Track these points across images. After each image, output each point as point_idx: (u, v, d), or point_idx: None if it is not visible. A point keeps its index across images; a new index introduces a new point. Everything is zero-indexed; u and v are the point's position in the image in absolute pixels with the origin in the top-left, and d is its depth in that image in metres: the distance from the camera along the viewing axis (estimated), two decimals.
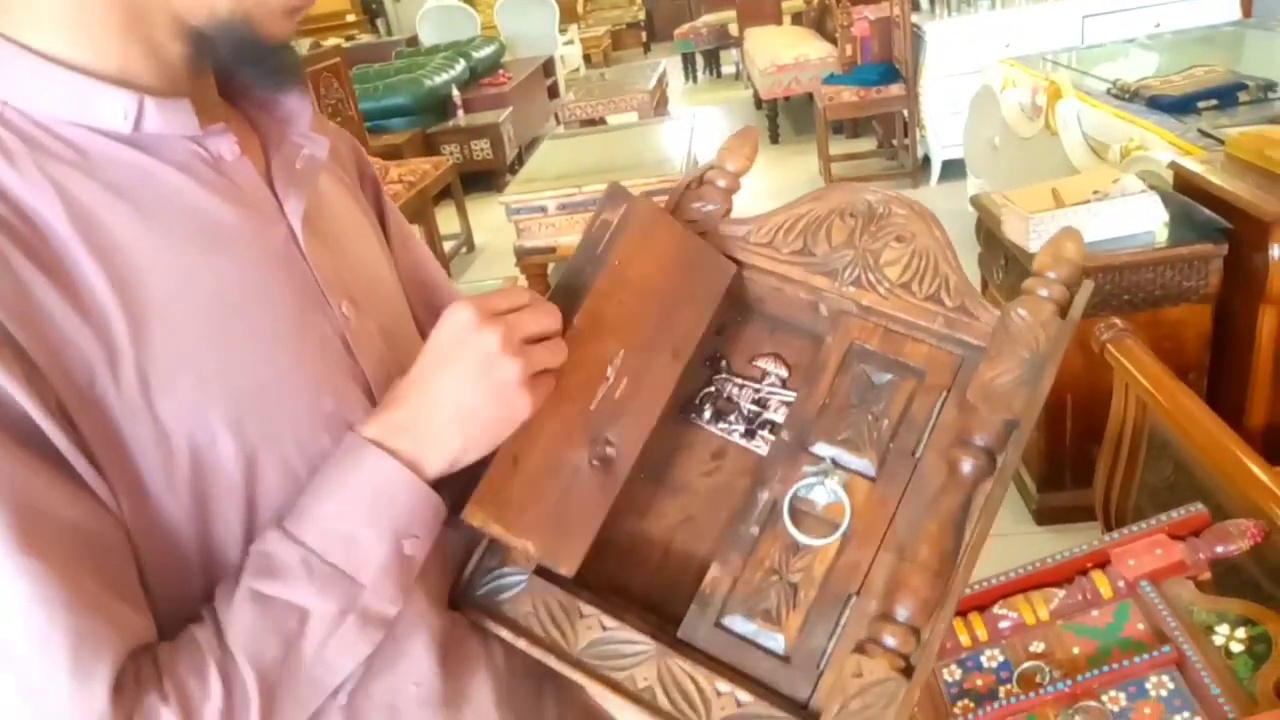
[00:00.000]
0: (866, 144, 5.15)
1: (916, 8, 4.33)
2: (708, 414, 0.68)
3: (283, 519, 0.51)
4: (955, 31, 4.02)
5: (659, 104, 5.76)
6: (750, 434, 0.67)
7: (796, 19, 6.81)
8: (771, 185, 4.91)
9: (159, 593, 0.50)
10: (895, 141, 4.72)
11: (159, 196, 0.51)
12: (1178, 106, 2.41)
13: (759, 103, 5.86)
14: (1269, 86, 2.42)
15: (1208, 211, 1.79)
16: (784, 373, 0.69)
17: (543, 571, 0.60)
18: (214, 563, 0.51)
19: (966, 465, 0.57)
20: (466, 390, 0.52)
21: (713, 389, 0.69)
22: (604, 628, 0.59)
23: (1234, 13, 3.88)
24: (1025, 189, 2.06)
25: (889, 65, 4.44)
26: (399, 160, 4.37)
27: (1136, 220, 1.83)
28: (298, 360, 0.54)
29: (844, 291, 0.65)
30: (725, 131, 6.17)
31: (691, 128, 4.20)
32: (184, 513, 0.50)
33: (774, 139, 5.63)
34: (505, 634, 0.60)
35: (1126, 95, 2.65)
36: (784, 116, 5.77)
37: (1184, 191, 1.88)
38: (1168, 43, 3.44)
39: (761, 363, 0.69)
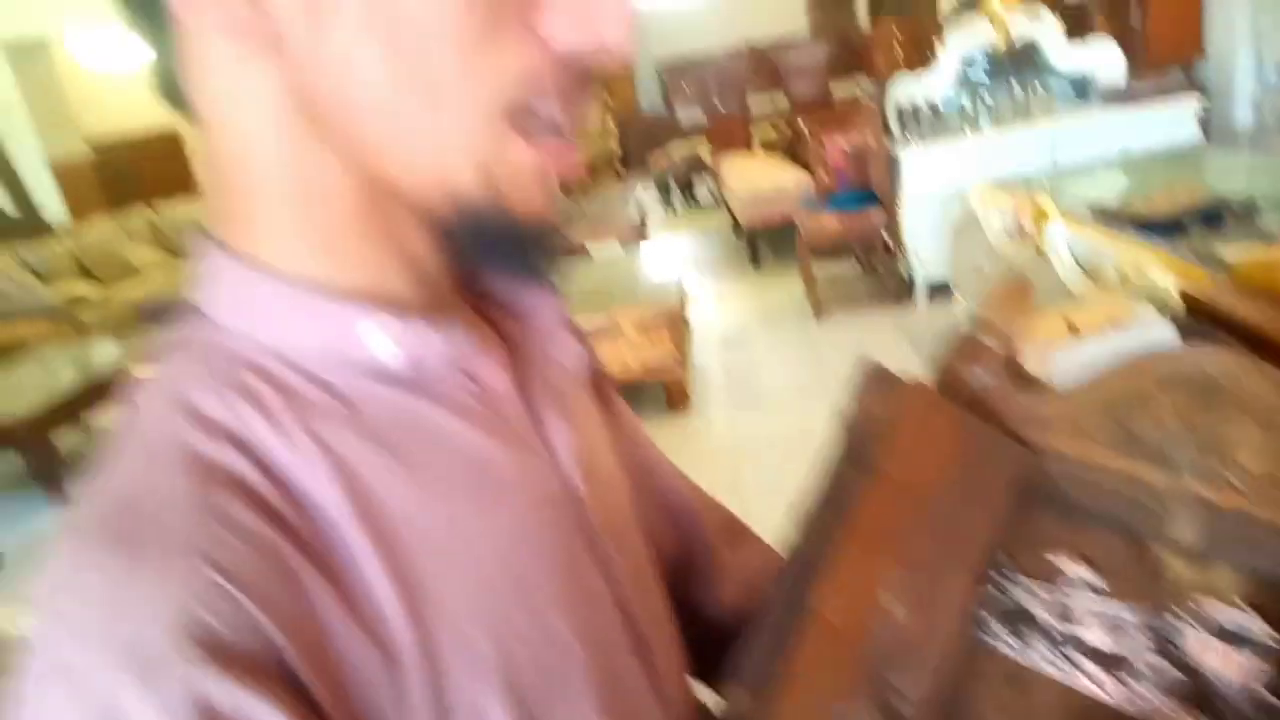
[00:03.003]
0: (850, 267, 5.25)
1: (890, 136, 4.50)
2: (994, 627, 0.52)
3: None
4: (930, 157, 4.16)
5: (641, 232, 5.87)
6: (1058, 654, 0.51)
7: (769, 147, 7.07)
8: (757, 310, 4.96)
9: None
10: (878, 264, 4.81)
11: (432, 444, 0.41)
12: (1166, 228, 2.47)
13: (737, 229, 5.99)
14: (1251, 204, 2.49)
15: (1227, 337, 1.79)
16: (1093, 576, 0.51)
17: None
18: None
19: None
20: None
21: (997, 595, 0.53)
22: None
23: (1193, 133, 4.06)
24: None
25: (866, 192, 4.57)
26: None
27: (1155, 349, 1.82)
28: (573, 624, 0.43)
29: (1186, 486, 0.50)
30: (711, 257, 6.33)
31: (678, 253, 4.27)
32: None
33: (755, 264, 5.73)
34: None
35: (1112, 217, 2.71)
36: (764, 242, 5.89)
37: (1196, 317, 1.89)
38: (1137, 164, 3.58)
39: (1061, 562, 0.53)
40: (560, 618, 0.43)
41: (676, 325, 3.70)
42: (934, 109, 4.32)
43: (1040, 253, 3.00)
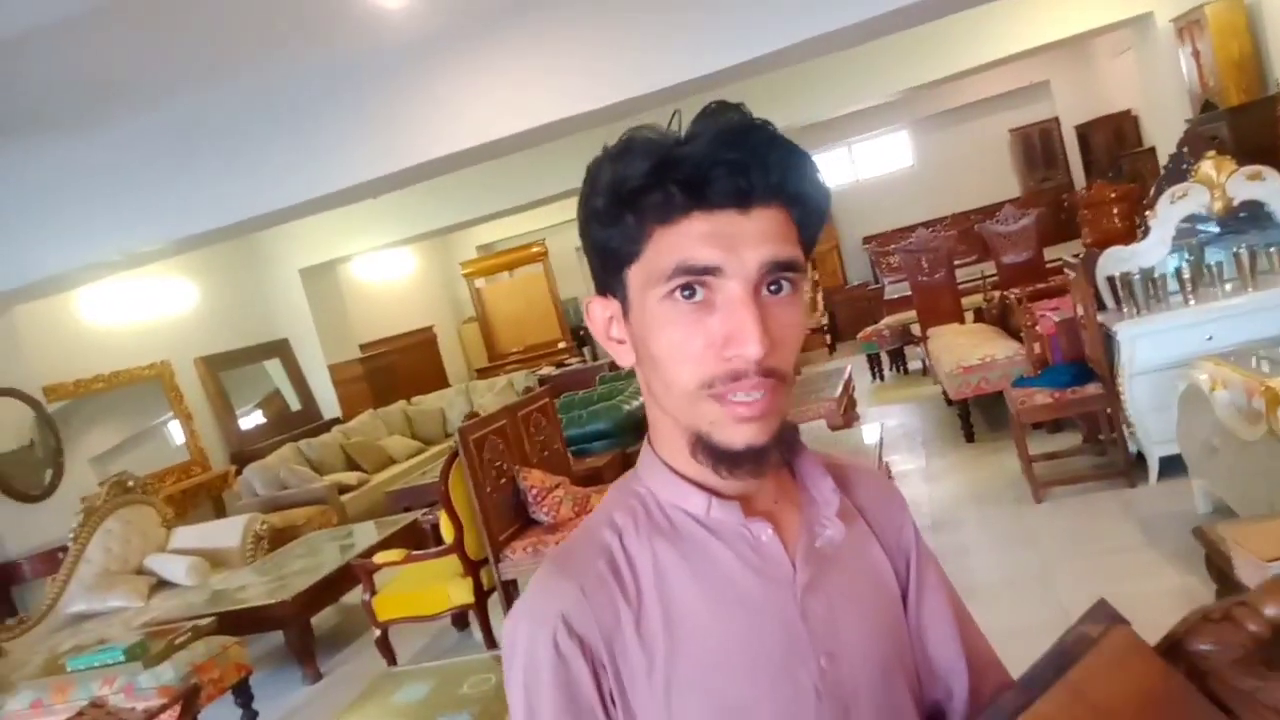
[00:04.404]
0: (1070, 439, 4.94)
1: (1102, 306, 4.31)
2: None
3: None
4: (1148, 330, 3.93)
5: (846, 409, 5.87)
6: None
7: (978, 315, 6.92)
8: (971, 485, 4.75)
9: None
10: (1102, 437, 4.51)
11: (710, 562, 0.73)
12: None
13: (949, 399, 5.84)
14: None
15: None
16: None
17: None
18: None
19: None
20: None
21: None
22: None
23: None
24: (1258, 523, 1.90)
25: (1081, 364, 4.36)
26: (599, 485, 4.63)
27: None
28: (773, 693, 0.71)
29: None
30: (917, 431, 6.17)
31: (880, 438, 4.23)
32: None
33: (969, 438, 5.53)
34: None
35: None
36: (977, 412, 5.70)
37: None
38: None
39: None
40: (765, 688, 0.71)
41: None
42: (1149, 278, 4.12)
43: (1275, 435, 2.74)
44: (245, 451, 7.22)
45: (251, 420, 7.79)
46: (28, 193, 4.93)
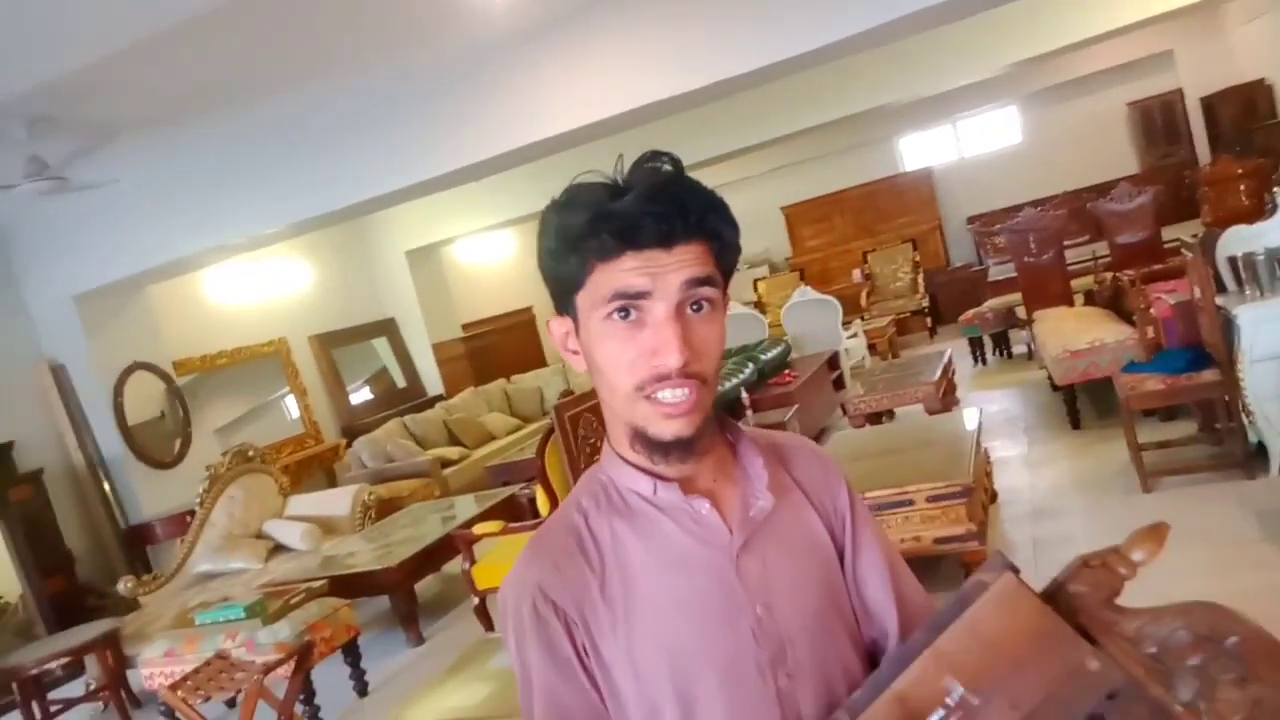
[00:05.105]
0: (1185, 428, 4.71)
1: (1222, 289, 4.09)
2: None
3: None
4: (1273, 314, 3.71)
5: (945, 393, 5.74)
6: None
7: (1088, 298, 6.64)
8: (1075, 477, 4.59)
9: None
10: (1219, 426, 4.29)
11: (659, 534, 0.89)
12: None
13: (1054, 385, 5.65)
14: None
15: None
16: None
17: None
18: None
19: None
20: None
21: None
22: None
23: None
24: None
25: (1197, 349, 4.16)
26: None
27: None
28: (718, 639, 0.86)
29: (1174, 708, 0.69)
30: (1019, 418, 5.98)
31: (979, 423, 4.14)
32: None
33: (1075, 425, 5.33)
34: None
35: None
36: (1083, 399, 5.49)
37: None
38: None
39: None
40: (709, 635, 0.86)
41: (974, 496, 3.57)
42: (1277, 257, 3.88)
43: None
44: (355, 425, 7.56)
45: (360, 396, 8.15)
46: (161, 182, 5.29)
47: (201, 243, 5.38)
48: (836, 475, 0.99)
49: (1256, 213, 4.98)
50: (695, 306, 0.83)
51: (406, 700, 2.78)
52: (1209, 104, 8.94)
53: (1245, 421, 3.92)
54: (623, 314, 0.82)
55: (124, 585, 4.87)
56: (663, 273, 0.81)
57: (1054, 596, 0.77)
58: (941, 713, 0.73)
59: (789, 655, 0.87)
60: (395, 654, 4.50)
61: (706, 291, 0.83)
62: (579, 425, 4.03)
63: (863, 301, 10.41)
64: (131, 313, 6.03)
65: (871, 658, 0.94)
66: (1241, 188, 6.05)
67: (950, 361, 6.18)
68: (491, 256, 10.19)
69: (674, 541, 0.88)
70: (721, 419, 0.94)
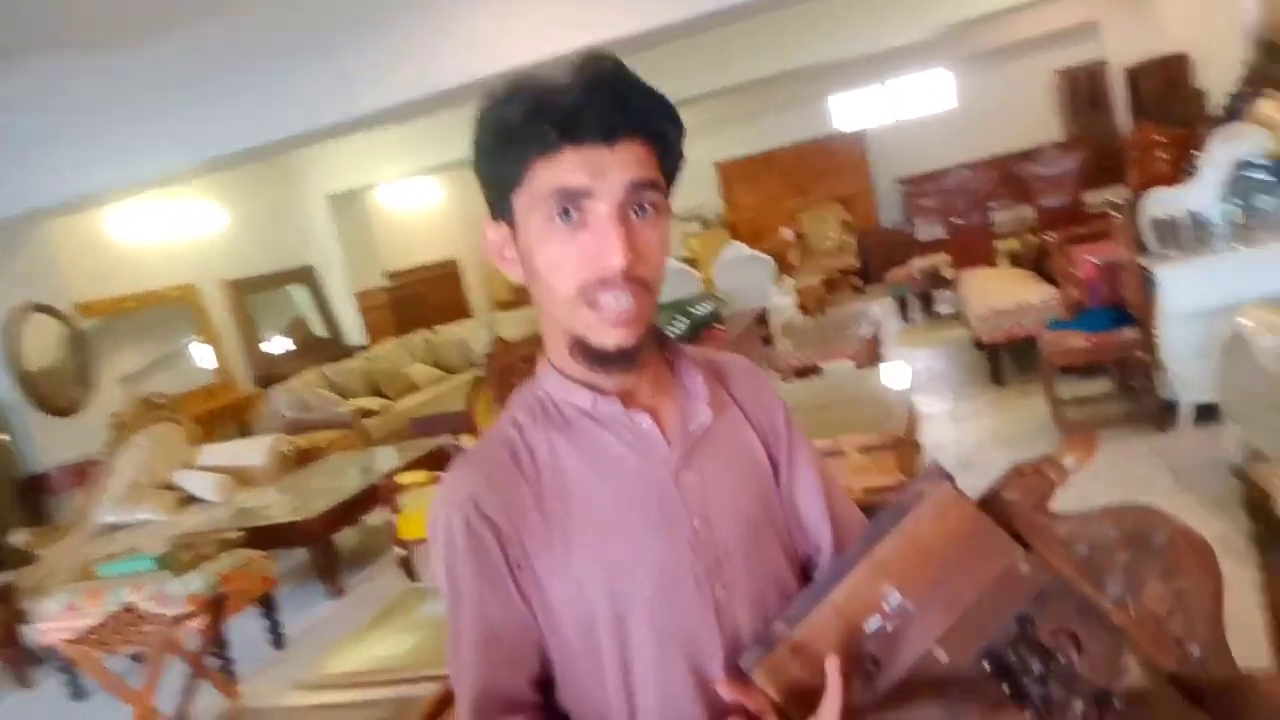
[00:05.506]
0: (1101, 385, 4.86)
1: (1143, 250, 4.19)
2: (995, 668, 0.74)
3: None
4: (1191, 274, 3.82)
5: (872, 350, 5.81)
6: (1021, 697, 0.72)
7: (1014, 260, 6.78)
8: (998, 431, 4.70)
9: (565, 681, 0.86)
10: (1135, 385, 4.42)
11: (598, 448, 0.87)
12: None
13: (978, 344, 5.76)
14: None
15: None
16: (1073, 655, 0.73)
17: None
18: (599, 670, 0.84)
19: None
20: None
21: (1010, 648, 0.75)
22: None
23: None
24: None
25: (1119, 309, 4.26)
26: None
27: None
28: (655, 550, 0.85)
29: (1104, 604, 0.72)
30: (945, 374, 6.10)
31: (908, 378, 4.18)
32: (578, 634, 0.84)
33: (997, 381, 5.46)
34: None
35: None
36: (1006, 357, 5.61)
37: None
38: None
39: (1058, 639, 0.75)
40: (646, 545, 0.84)
41: (904, 448, 3.60)
42: (1196, 221, 3.99)
43: None
44: (271, 375, 7.28)
45: (278, 345, 7.85)
46: (62, 111, 4.89)
47: (100, 178, 5.01)
48: (773, 394, 1.00)
49: (1177, 178, 5.11)
50: (639, 210, 0.80)
51: (330, 650, 2.68)
52: (1132, 75, 9.16)
53: (1158, 379, 4.05)
54: (564, 216, 0.79)
55: (19, 537, 4.60)
56: (605, 170, 0.78)
57: (989, 504, 0.79)
58: (879, 619, 0.74)
59: (725, 567, 0.86)
60: (314, 606, 4.38)
61: (650, 195, 0.80)
62: (512, 375, 3.93)
63: (792, 259, 10.47)
64: (26, 251, 5.63)
65: (805, 573, 0.95)
66: (1163, 155, 6.21)
67: (878, 320, 6.25)
68: (418, 204, 9.88)
69: (612, 454, 0.87)
70: (659, 334, 0.92)
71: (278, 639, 3.98)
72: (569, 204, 0.78)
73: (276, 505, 4.66)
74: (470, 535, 0.83)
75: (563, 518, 0.84)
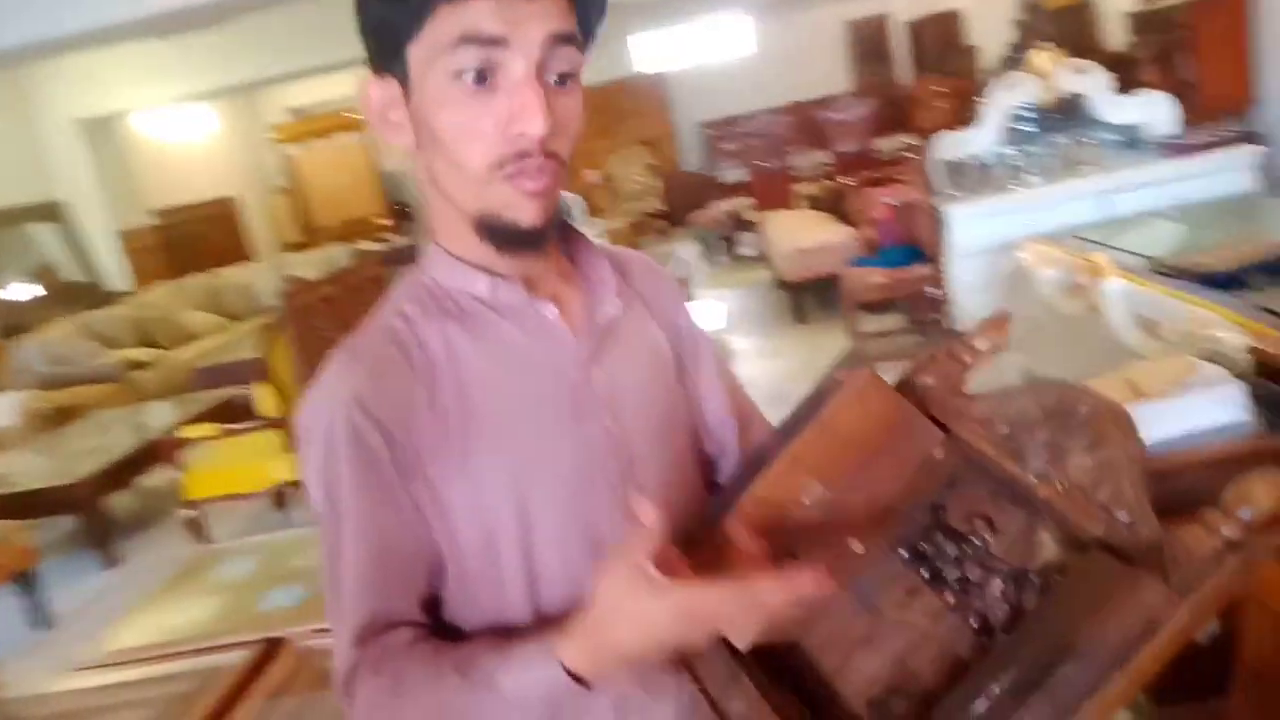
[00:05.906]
0: (894, 320, 5.18)
1: (934, 191, 4.46)
2: (911, 555, 0.73)
3: (491, 666, 0.70)
4: (977, 212, 4.10)
5: (684, 288, 5.88)
6: (939, 582, 0.72)
7: (813, 203, 7.06)
8: (802, 365, 4.90)
9: (457, 595, 0.78)
10: (925, 319, 4.73)
11: (498, 338, 0.78)
12: (1228, 282, 2.38)
13: (781, 284, 5.97)
14: None
15: None
16: (987, 537, 0.72)
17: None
18: (500, 581, 0.77)
19: None
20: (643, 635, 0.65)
21: (925, 535, 0.74)
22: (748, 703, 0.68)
23: (1250, 184, 3.95)
24: (1094, 379, 1.99)
25: (913, 247, 4.52)
26: None
27: (1223, 411, 1.74)
28: (563, 450, 0.77)
29: (1029, 480, 0.70)
30: (750, 313, 6.30)
31: (721, 309, 4.25)
32: (477, 544, 0.76)
33: (800, 319, 5.69)
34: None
35: (1170, 272, 2.63)
36: (809, 296, 5.85)
37: (1269, 377, 1.80)
38: (1194, 216, 3.48)
39: (972, 523, 0.73)
40: (553, 447, 0.77)
41: None
42: (980, 164, 4.28)
43: (1095, 309, 2.92)
44: (16, 325, 6.37)
45: (22, 292, 6.86)
46: None
47: None
48: (675, 291, 0.94)
49: (959, 125, 5.48)
50: (558, 81, 0.71)
51: (110, 625, 2.36)
52: (915, 28, 9.74)
53: (947, 312, 4.36)
54: (477, 78, 0.69)
55: None
56: (521, 19, 0.68)
57: (905, 390, 0.77)
58: (799, 512, 0.73)
59: (637, 469, 0.81)
60: (86, 579, 3.91)
61: (570, 54, 0.71)
62: (314, 315, 3.61)
63: (600, 201, 10.40)
64: None
65: (710, 474, 0.93)
66: (943, 104, 6.66)
67: (690, 260, 6.33)
68: (187, 135, 8.90)
69: (516, 346, 0.79)
70: (560, 220, 0.81)
71: (43, 618, 3.52)
72: (481, 58, 0.68)
73: (34, 469, 4.13)
74: (355, 440, 0.73)
75: (461, 418, 0.75)
